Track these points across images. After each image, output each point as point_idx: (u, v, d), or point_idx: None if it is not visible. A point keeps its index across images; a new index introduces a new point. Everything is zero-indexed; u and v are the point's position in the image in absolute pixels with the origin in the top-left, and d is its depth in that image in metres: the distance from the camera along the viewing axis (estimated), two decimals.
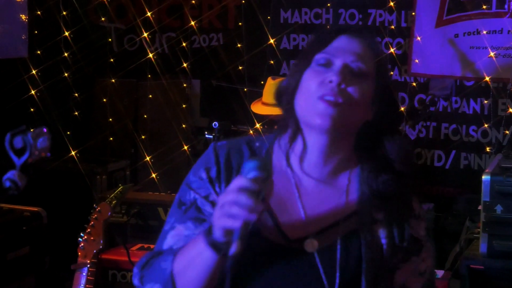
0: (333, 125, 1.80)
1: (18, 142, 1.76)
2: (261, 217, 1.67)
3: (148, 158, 5.68)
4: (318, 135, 1.86)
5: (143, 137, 6.12)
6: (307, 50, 1.91)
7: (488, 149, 5.59)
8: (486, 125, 5.70)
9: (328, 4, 6.01)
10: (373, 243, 1.86)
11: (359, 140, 1.91)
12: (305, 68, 1.86)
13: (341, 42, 1.87)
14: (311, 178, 1.90)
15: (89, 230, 3.49)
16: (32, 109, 5.84)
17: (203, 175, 1.91)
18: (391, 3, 5.82)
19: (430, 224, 4.45)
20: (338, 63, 1.82)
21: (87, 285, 3.44)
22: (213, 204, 1.87)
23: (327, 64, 1.84)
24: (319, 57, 1.85)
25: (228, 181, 1.86)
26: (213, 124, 3.68)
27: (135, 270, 1.91)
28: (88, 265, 3.44)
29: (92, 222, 3.48)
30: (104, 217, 3.51)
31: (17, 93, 5.61)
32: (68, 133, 5.89)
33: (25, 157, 1.75)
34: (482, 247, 3.70)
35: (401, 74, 5.86)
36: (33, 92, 5.77)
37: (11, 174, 1.82)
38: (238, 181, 1.66)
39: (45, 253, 4.37)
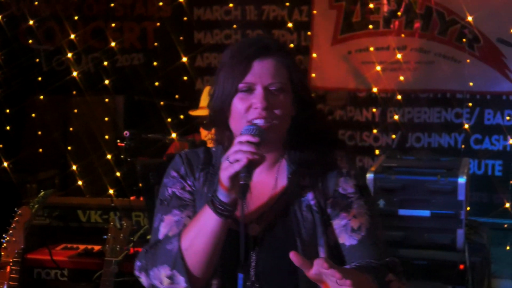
0: (262, 141, 1.85)
1: None
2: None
3: (74, 167, 5.64)
4: None
5: (69, 148, 6.07)
6: (229, 77, 1.93)
7: (377, 151, 5.73)
8: (375, 131, 5.85)
9: (235, 26, 6.11)
10: (302, 206, 1.92)
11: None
12: (232, 95, 1.92)
13: (256, 68, 1.92)
14: None
15: (11, 231, 3.47)
16: None
17: (175, 174, 2.03)
18: (289, 25, 5.94)
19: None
20: (258, 89, 1.90)
21: (10, 282, 3.40)
22: (189, 193, 2.00)
23: (249, 90, 1.91)
24: (241, 86, 1.91)
25: (193, 176, 2.01)
26: (124, 133, 3.67)
27: (138, 263, 1.94)
28: (11, 264, 3.40)
29: (13, 225, 3.47)
30: (25, 219, 3.49)
31: None
32: (1, 146, 5.81)
33: None
34: None
35: None
36: None
37: None
38: (239, 138, 1.79)
39: None
